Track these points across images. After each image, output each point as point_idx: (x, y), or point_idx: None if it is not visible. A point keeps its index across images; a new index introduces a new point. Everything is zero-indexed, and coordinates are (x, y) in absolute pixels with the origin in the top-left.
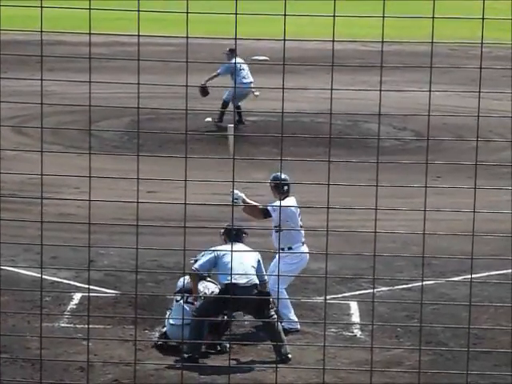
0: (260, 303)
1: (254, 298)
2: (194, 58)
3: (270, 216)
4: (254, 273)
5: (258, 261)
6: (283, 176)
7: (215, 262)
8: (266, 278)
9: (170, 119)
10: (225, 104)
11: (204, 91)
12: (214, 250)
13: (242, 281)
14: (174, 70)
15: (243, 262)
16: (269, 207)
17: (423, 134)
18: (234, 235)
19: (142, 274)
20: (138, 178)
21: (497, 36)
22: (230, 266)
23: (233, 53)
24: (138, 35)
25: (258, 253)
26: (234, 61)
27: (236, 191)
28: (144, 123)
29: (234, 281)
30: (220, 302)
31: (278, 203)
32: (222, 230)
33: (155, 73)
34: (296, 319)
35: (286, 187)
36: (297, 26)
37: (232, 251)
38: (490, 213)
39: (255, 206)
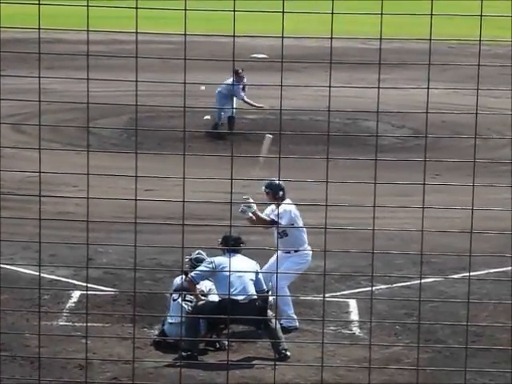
0: (258, 317)
1: (251, 314)
2: (193, 55)
3: (277, 223)
4: (252, 285)
5: (257, 272)
6: (278, 181)
7: (212, 274)
8: (264, 287)
9: (169, 117)
10: (215, 126)
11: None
12: (211, 261)
13: (240, 297)
14: (173, 67)
15: (242, 275)
16: (274, 217)
17: (422, 131)
18: (232, 245)
19: (140, 272)
20: (136, 176)
21: (496, 34)
22: (228, 279)
23: (237, 76)
24: (136, 32)
25: (256, 263)
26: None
27: (249, 201)
28: (143, 121)
29: (232, 296)
30: (218, 314)
31: (276, 208)
32: (220, 240)
33: (154, 71)
34: (295, 317)
35: (281, 192)
36: (296, 24)
37: (230, 253)
38: (488, 210)
39: (262, 218)
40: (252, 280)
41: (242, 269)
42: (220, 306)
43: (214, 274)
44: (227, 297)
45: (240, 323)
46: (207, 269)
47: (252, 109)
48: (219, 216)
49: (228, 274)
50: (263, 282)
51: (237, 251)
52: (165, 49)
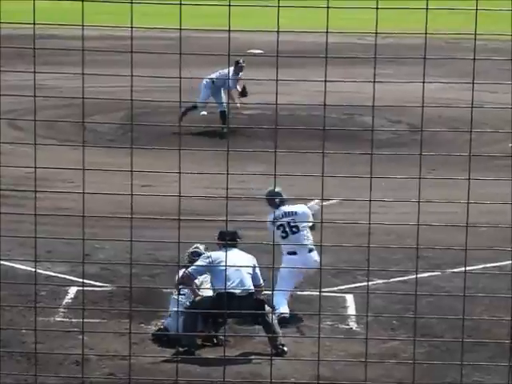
0: (256, 312)
1: (249, 307)
2: (191, 51)
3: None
4: (249, 279)
5: (254, 266)
6: (277, 190)
7: (210, 269)
8: (261, 282)
9: (166, 113)
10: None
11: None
12: (208, 256)
13: (237, 290)
14: (171, 63)
15: (239, 269)
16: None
17: (418, 127)
18: (228, 240)
19: (137, 268)
20: (131, 171)
21: (493, 29)
22: (225, 273)
23: (236, 66)
24: (132, 27)
25: (253, 257)
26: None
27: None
28: (140, 117)
29: (229, 290)
30: (215, 308)
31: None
32: (217, 235)
33: (152, 67)
34: (287, 308)
35: (277, 200)
36: (293, 20)
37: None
38: (483, 204)
39: None
40: (249, 274)
41: (239, 263)
42: (217, 299)
43: (211, 268)
44: (224, 291)
45: (237, 317)
46: (204, 264)
47: (248, 104)
48: (220, 212)
49: (225, 268)
50: (260, 277)
51: (233, 245)
52: (163, 45)
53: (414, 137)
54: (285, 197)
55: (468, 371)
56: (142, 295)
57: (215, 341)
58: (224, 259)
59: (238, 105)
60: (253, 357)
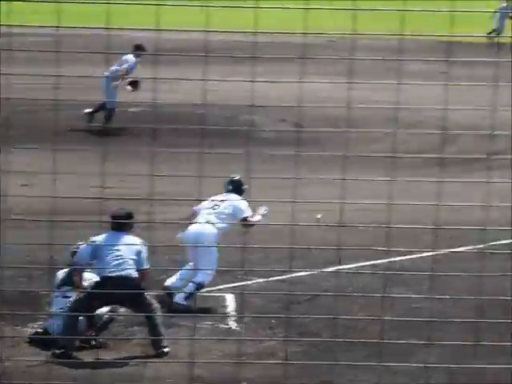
0: (133, 295)
1: (126, 290)
2: (71, 48)
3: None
4: (132, 264)
5: (139, 251)
6: (237, 177)
7: (93, 254)
8: (145, 266)
9: (48, 110)
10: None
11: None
12: (93, 242)
13: (115, 273)
14: (62, 61)
15: (121, 253)
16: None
17: (303, 126)
18: (118, 223)
19: (13, 270)
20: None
21: (379, 28)
22: (106, 258)
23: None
24: (21, 25)
25: (142, 241)
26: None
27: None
28: (21, 115)
29: (108, 274)
30: (92, 296)
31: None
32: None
33: (32, 65)
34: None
35: (230, 186)
36: (180, 16)
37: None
38: (361, 203)
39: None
40: (132, 259)
41: (124, 247)
42: (94, 287)
43: (95, 253)
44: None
45: (116, 303)
46: (87, 248)
47: (133, 102)
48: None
49: (108, 253)
50: (145, 261)
51: (124, 230)
52: (47, 42)
53: (298, 135)
54: (246, 186)
55: (342, 370)
56: (18, 297)
57: (93, 342)
58: (107, 243)
59: (128, 87)
60: (130, 359)
